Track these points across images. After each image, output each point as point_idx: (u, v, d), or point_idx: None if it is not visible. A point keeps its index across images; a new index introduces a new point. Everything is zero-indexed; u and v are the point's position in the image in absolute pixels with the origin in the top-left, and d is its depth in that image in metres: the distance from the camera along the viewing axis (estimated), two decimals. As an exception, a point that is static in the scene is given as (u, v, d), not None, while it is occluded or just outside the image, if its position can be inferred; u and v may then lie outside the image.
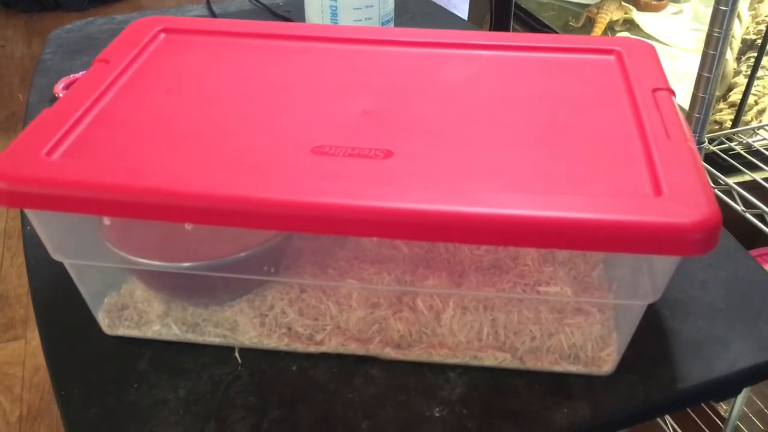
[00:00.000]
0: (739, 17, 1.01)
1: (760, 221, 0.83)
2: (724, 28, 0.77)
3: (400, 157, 0.44)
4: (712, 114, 0.98)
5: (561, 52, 0.55)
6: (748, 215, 0.84)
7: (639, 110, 0.47)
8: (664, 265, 0.43)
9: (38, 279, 0.55)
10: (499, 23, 1.26)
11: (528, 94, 0.50)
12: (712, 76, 0.81)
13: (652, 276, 0.45)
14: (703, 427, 0.94)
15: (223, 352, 0.50)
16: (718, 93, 1.00)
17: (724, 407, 0.91)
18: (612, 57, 0.54)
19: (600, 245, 0.40)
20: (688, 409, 0.98)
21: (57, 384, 0.48)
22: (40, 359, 1.31)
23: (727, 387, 0.49)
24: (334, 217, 0.40)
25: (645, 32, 1.32)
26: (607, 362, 0.48)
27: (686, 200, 0.39)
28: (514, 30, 1.34)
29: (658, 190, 0.40)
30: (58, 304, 0.53)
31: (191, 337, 0.50)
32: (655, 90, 0.49)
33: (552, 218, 0.39)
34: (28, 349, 1.34)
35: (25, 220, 0.61)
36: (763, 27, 1.05)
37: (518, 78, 0.52)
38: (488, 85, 0.52)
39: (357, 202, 0.40)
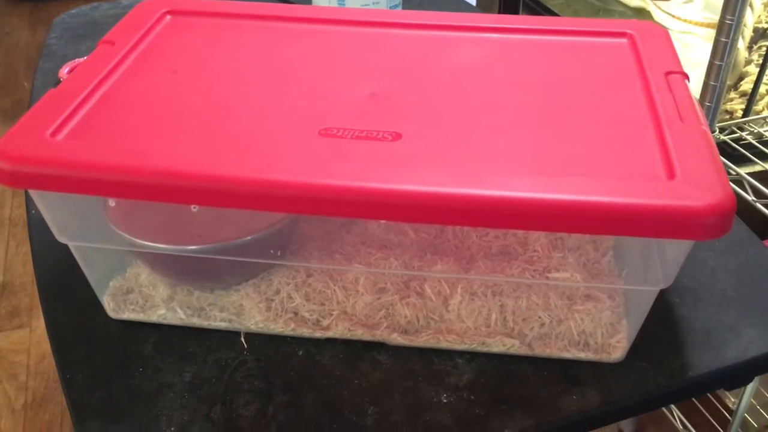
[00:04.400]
0: (750, 5, 1.00)
1: (770, 211, 0.82)
2: (737, 15, 0.76)
3: (408, 140, 0.43)
4: (723, 103, 0.97)
5: (573, 35, 0.54)
6: (758, 205, 0.83)
7: (652, 93, 0.46)
8: (676, 251, 0.42)
9: (43, 263, 0.55)
10: (508, 11, 1.25)
11: (539, 76, 0.50)
12: (723, 64, 0.80)
13: (663, 262, 0.44)
14: (710, 418, 0.94)
15: (229, 336, 0.49)
16: (729, 82, 0.99)
17: (732, 399, 0.91)
18: (624, 40, 0.53)
19: (613, 228, 0.39)
20: (696, 401, 0.97)
21: (62, 367, 0.48)
22: (45, 347, 1.31)
23: (737, 375, 0.49)
24: (342, 200, 0.39)
25: (656, 20, 1.31)
26: (617, 349, 0.47)
27: (700, 183, 0.39)
28: (523, 18, 1.33)
29: (671, 174, 0.40)
30: (63, 288, 0.53)
31: (197, 321, 0.50)
32: (668, 73, 0.48)
33: (564, 201, 0.38)
34: (33, 337, 1.34)
35: (29, 205, 0.61)
36: (774, 15, 1.03)
37: (529, 61, 0.52)
38: (498, 67, 0.51)
39: (365, 184, 0.39)
